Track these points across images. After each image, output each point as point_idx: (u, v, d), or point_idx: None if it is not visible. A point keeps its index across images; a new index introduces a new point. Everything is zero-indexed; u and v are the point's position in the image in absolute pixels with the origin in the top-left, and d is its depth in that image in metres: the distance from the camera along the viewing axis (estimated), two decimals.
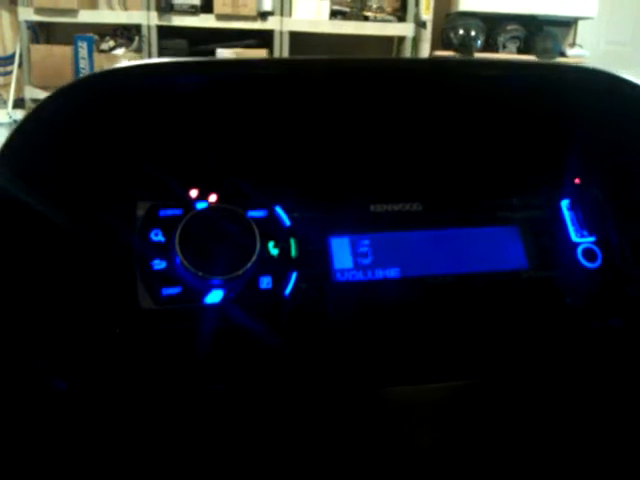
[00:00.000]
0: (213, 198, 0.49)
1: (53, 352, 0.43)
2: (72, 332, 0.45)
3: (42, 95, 3.19)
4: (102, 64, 3.58)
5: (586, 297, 0.51)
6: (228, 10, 3.56)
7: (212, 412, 0.46)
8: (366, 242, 0.50)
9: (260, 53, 3.69)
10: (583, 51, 4.17)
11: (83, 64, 3.57)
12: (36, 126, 0.45)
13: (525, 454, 0.49)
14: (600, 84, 0.51)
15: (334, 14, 3.74)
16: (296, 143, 0.51)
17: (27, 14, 3.51)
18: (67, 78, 3.54)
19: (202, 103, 0.49)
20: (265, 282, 0.48)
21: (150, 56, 3.61)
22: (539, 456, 0.49)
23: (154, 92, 0.48)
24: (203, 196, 0.49)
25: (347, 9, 3.77)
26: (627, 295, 0.52)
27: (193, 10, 3.56)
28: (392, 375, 0.48)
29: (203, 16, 3.59)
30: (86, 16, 3.54)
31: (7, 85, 3.72)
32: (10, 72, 3.70)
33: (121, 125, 0.48)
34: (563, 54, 4.15)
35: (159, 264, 0.47)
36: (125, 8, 3.67)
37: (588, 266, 0.52)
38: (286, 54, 3.71)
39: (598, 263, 0.52)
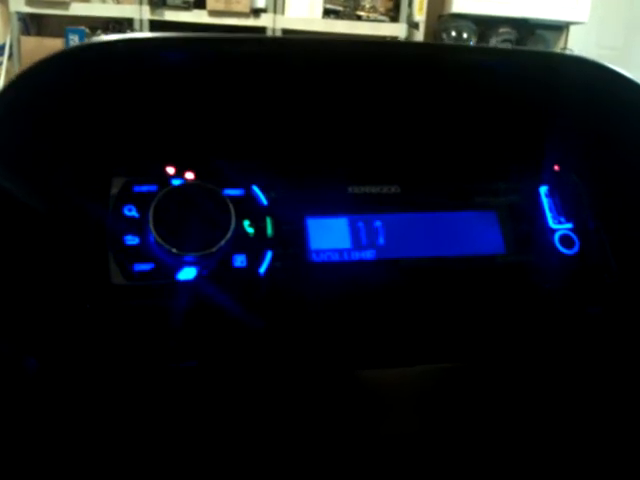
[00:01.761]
0: (190, 175, 0.49)
1: (23, 329, 0.43)
2: (43, 308, 0.44)
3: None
4: None
5: (563, 283, 0.51)
6: (221, 6, 3.55)
7: (183, 389, 0.45)
8: (343, 223, 0.50)
9: None
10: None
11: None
12: (12, 100, 0.44)
13: (501, 437, 0.49)
14: (583, 72, 0.51)
15: (327, 13, 3.74)
16: (275, 123, 0.51)
17: (18, 5, 3.48)
18: None
19: (183, 80, 0.49)
20: (239, 260, 0.48)
21: None
22: (515, 438, 0.49)
23: (134, 68, 0.48)
24: (180, 173, 0.49)
25: (340, 8, 3.77)
26: (604, 282, 0.52)
27: (186, 5, 3.55)
28: (366, 357, 0.48)
29: (196, 12, 3.57)
30: (78, 9, 3.52)
31: None
32: (0, 63, 3.67)
33: (99, 101, 0.48)
34: None
35: (132, 240, 0.47)
36: (117, 2, 3.66)
37: (565, 252, 0.52)
38: None
39: (575, 249, 0.52)
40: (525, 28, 4.08)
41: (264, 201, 0.49)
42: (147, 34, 0.48)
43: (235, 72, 0.48)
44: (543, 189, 0.53)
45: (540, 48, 4.07)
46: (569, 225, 0.53)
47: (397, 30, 3.82)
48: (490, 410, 0.49)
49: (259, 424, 0.47)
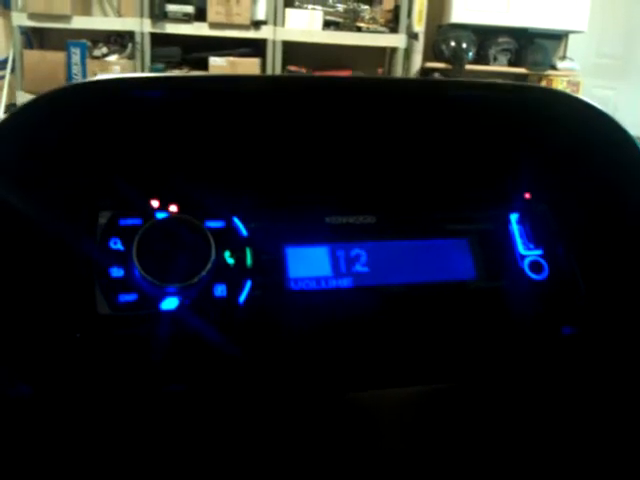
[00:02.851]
0: (173, 208, 0.51)
1: (16, 357, 0.44)
2: (34, 337, 0.46)
3: None
4: (95, 70, 3.60)
5: (532, 307, 0.53)
6: (222, 19, 3.58)
7: (166, 415, 0.47)
8: (321, 252, 0.52)
9: (253, 62, 3.71)
10: (574, 64, 4.21)
11: (76, 70, 3.59)
12: (4, 136, 0.46)
13: (477, 458, 0.50)
14: (547, 102, 0.52)
15: (327, 24, 3.77)
16: (255, 156, 0.53)
17: (21, 19, 3.52)
18: (59, 84, 3.53)
19: (166, 117, 0.51)
20: (220, 290, 0.49)
21: (143, 63, 3.64)
22: (492, 459, 0.51)
23: (120, 106, 0.50)
24: (164, 206, 0.51)
25: (340, 20, 3.79)
26: (574, 305, 0.53)
27: (187, 18, 3.59)
28: (344, 381, 0.50)
29: (197, 24, 3.61)
30: (79, 22, 3.56)
31: None
32: (2, 77, 3.71)
33: (87, 137, 0.50)
34: (554, 67, 4.18)
35: (117, 271, 0.49)
36: (119, 15, 3.70)
37: (534, 278, 0.54)
38: (279, 63, 3.74)
39: (544, 275, 0.54)
40: (524, 37, 4.09)
41: (244, 232, 0.51)
42: (127, 75, 0.50)
43: (214, 109, 0.50)
44: (514, 216, 0.55)
45: (539, 57, 4.09)
46: (538, 251, 0.54)
47: (397, 41, 3.85)
48: (464, 433, 0.50)
49: (240, 448, 0.48)
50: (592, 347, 0.53)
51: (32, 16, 3.51)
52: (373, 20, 3.83)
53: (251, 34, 3.68)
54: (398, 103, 0.51)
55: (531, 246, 0.54)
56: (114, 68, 3.62)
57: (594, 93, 4.22)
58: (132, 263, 0.47)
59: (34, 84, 3.56)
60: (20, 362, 0.45)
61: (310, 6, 3.73)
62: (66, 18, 3.51)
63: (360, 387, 0.50)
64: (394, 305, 0.51)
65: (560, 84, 4.19)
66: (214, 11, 3.57)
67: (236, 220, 0.51)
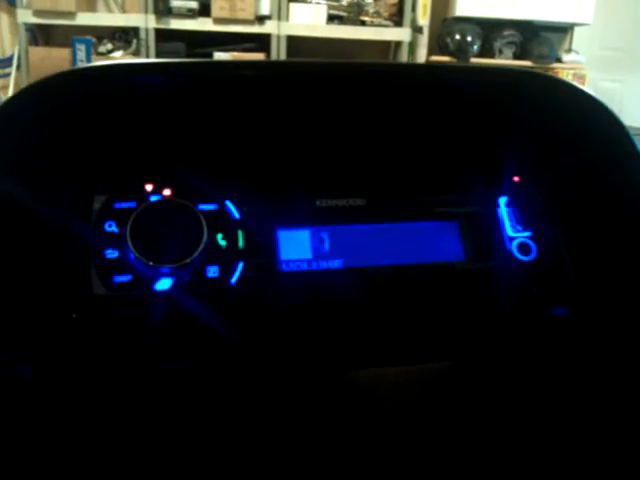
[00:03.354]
0: (167, 192, 0.52)
1: (15, 339, 0.46)
2: (32, 318, 0.47)
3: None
4: None
5: (521, 288, 0.53)
6: (226, 14, 3.59)
7: (161, 392, 0.48)
8: (311, 234, 0.52)
9: (257, 56, 3.72)
10: (579, 57, 4.20)
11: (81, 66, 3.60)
12: (2, 123, 0.47)
13: (466, 435, 0.51)
14: (537, 86, 0.53)
15: (331, 18, 3.77)
16: (247, 141, 0.54)
17: (26, 16, 3.54)
18: None
19: (160, 103, 0.52)
20: (212, 271, 0.51)
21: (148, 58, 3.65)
22: (481, 441, 0.51)
23: (115, 92, 0.51)
24: (157, 190, 0.52)
25: (344, 14, 3.79)
26: (564, 287, 0.54)
27: (191, 14, 3.60)
28: (332, 360, 0.51)
29: (201, 19, 3.62)
30: (84, 19, 3.57)
31: (5, 87, 3.75)
32: (8, 74, 3.73)
33: (82, 123, 0.51)
34: (559, 60, 4.18)
35: (112, 253, 0.50)
36: (123, 11, 3.71)
37: (523, 259, 0.54)
38: (283, 57, 3.74)
39: (533, 256, 0.54)
40: (529, 30, 4.09)
41: (236, 215, 0.52)
42: (123, 61, 0.51)
43: (207, 95, 0.51)
44: (503, 199, 0.56)
45: (545, 50, 4.08)
46: (527, 233, 0.55)
47: (401, 35, 3.85)
48: (453, 413, 0.51)
49: (233, 424, 0.49)
50: (581, 328, 0.53)
51: (37, 13, 3.52)
52: (377, 14, 3.83)
53: (255, 29, 3.68)
54: (390, 88, 0.52)
55: (519, 228, 0.55)
56: None
57: (600, 86, 4.21)
58: (126, 245, 0.49)
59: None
60: (19, 343, 0.46)
61: (314, 0, 3.73)
62: (71, 15, 3.52)
63: (348, 365, 0.51)
64: (383, 286, 0.52)
65: (566, 77, 4.18)
66: (218, 6, 3.58)
67: (228, 203, 0.52)
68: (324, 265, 0.52)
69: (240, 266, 0.51)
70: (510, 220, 0.55)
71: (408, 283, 0.52)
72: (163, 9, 3.56)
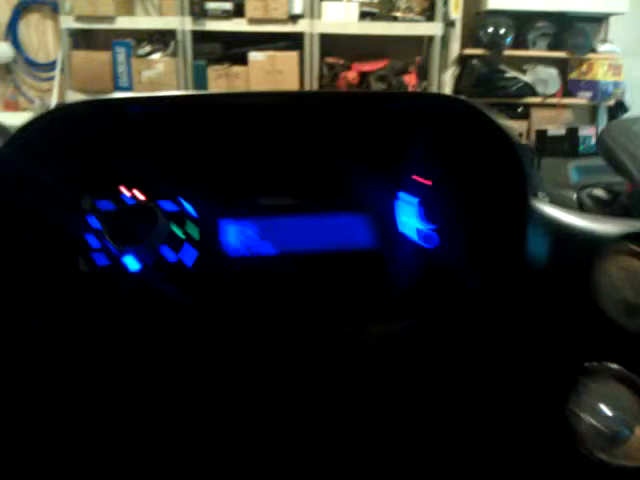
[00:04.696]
0: (136, 193, 0.64)
1: (26, 302, 0.59)
2: (34, 288, 0.60)
3: (82, 98, 3.37)
4: (139, 68, 3.74)
5: (422, 272, 0.65)
6: (260, 14, 3.68)
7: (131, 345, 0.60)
8: (251, 225, 0.65)
9: (292, 55, 3.80)
10: (614, 47, 4.17)
11: (121, 69, 3.73)
12: (19, 144, 0.58)
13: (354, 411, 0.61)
14: (436, 105, 0.63)
15: (363, 15, 3.82)
16: (200, 153, 0.66)
17: (68, 22, 3.69)
18: (106, 82, 3.71)
19: (134, 128, 0.64)
20: (172, 256, 0.64)
21: (185, 60, 3.76)
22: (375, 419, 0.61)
23: (100, 123, 0.62)
24: (129, 191, 0.65)
25: (376, 10, 3.84)
26: (461, 271, 0.63)
27: (226, 15, 3.69)
28: (270, 329, 0.63)
29: (236, 20, 3.71)
30: (123, 22, 3.70)
31: (50, 90, 3.91)
32: (53, 78, 3.89)
33: (75, 142, 0.62)
34: (594, 50, 4.15)
35: (94, 241, 0.63)
36: (161, 14, 3.82)
37: (425, 246, 0.65)
38: (317, 55, 3.81)
39: (434, 245, 0.65)
40: (563, 21, 4.07)
41: (191, 211, 0.65)
42: (112, 97, 0.63)
43: (171, 118, 0.63)
44: (414, 200, 0.66)
45: (579, 40, 4.06)
46: (431, 227, 0.66)
47: (433, 29, 3.89)
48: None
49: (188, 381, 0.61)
50: (476, 306, 0.62)
51: (79, 18, 3.66)
52: (409, 9, 3.87)
53: (289, 28, 3.76)
54: (313, 115, 0.63)
55: (424, 222, 0.65)
56: (157, 66, 3.76)
57: (635, 76, 4.17)
58: (105, 236, 0.62)
59: (82, 83, 3.73)
60: (27, 304, 0.59)
61: None
62: (110, 19, 3.65)
63: (285, 329, 0.63)
64: (307, 268, 0.66)
65: (601, 67, 4.15)
66: (252, 7, 3.66)
67: (184, 201, 0.65)
68: (262, 251, 0.65)
69: (195, 252, 0.64)
70: (418, 216, 0.66)
71: (326, 266, 0.65)
72: (199, 11, 3.66)
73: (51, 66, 3.93)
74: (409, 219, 0.66)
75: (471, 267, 0.63)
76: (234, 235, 0.65)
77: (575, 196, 2.24)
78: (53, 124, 0.58)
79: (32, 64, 3.99)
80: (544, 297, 0.59)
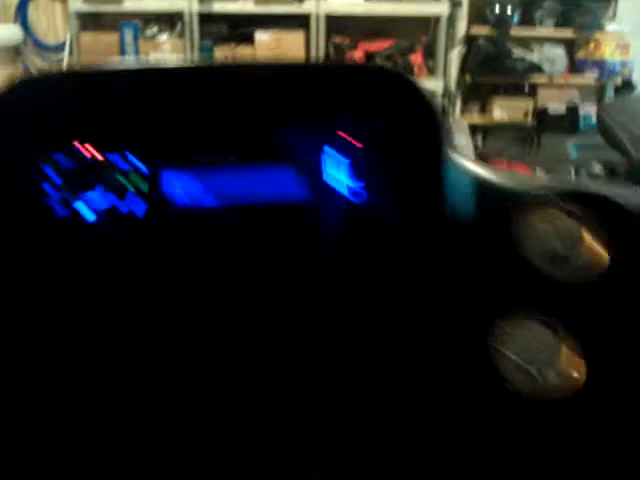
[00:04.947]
0: (93, 150, 0.70)
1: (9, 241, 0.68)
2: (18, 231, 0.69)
3: None
4: (147, 49, 3.77)
5: (351, 225, 0.71)
6: None
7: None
8: (196, 179, 0.71)
9: (298, 35, 3.82)
10: (622, 26, 4.15)
11: (129, 50, 3.76)
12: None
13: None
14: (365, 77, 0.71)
15: None
16: (144, 113, 0.72)
17: (76, 4, 3.72)
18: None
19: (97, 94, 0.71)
20: (124, 207, 0.70)
21: (192, 41, 3.79)
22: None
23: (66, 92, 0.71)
24: (85, 149, 0.70)
25: None
26: (389, 225, 0.69)
27: None
28: (217, 277, 0.71)
29: (242, 1, 3.73)
30: (131, 4, 3.73)
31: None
32: (62, 59, 3.92)
33: (47, 109, 0.70)
34: (602, 29, 4.14)
35: (57, 196, 0.70)
36: None
37: (354, 201, 0.70)
38: (323, 36, 3.83)
39: (363, 200, 0.70)
40: (570, 0, 4.06)
41: (141, 166, 0.70)
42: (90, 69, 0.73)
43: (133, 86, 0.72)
44: (345, 160, 0.71)
45: (587, 19, 4.05)
46: (361, 184, 0.70)
47: (440, 8, 3.89)
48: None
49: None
50: (403, 255, 0.68)
51: (87, 0, 3.70)
52: None
53: (295, 8, 3.78)
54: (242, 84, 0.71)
55: (353, 179, 0.70)
56: (165, 47, 3.79)
57: None
58: (66, 191, 0.69)
59: (90, 64, 3.75)
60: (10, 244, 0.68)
61: None
62: (118, 1, 3.69)
63: (223, 277, 0.71)
64: (245, 221, 0.71)
65: (609, 46, 4.14)
66: None
67: (133, 157, 0.70)
68: (205, 202, 0.70)
69: (144, 204, 0.70)
70: (348, 175, 0.71)
71: (260, 218, 0.71)
72: None
73: (60, 48, 3.96)
74: (340, 176, 0.71)
75: (398, 220, 0.68)
76: (180, 187, 0.71)
77: (573, 171, 2.27)
78: (34, 95, 0.67)
79: (41, 46, 4.03)
80: (466, 246, 0.65)
